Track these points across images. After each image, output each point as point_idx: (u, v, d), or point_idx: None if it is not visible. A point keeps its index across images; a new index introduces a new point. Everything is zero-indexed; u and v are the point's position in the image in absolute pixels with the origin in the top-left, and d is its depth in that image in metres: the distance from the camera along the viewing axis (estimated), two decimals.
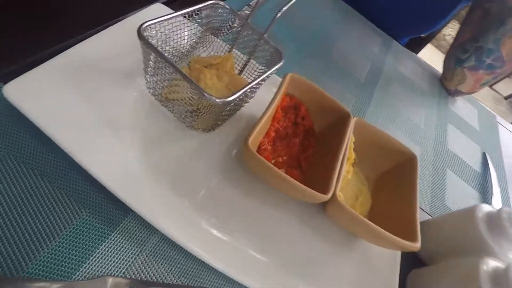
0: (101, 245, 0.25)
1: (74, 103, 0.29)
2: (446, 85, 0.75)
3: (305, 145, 0.37)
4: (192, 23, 0.36)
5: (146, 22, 0.29)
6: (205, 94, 0.27)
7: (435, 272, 0.34)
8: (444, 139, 0.62)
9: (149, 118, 0.32)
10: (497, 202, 0.56)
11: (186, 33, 0.36)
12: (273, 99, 0.32)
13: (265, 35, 0.37)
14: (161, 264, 0.26)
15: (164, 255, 0.27)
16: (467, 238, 0.34)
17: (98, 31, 0.34)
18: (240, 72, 0.41)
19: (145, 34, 0.29)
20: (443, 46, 2.77)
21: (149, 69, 0.31)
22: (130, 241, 0.26)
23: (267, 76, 0.33)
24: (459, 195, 0.53)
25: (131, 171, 0.28)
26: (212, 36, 0.40)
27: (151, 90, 0.33)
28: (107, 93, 0.31)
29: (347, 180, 0.37)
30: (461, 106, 0.75)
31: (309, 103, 0.38)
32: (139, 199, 0.26)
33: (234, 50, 0.41)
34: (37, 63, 0.29)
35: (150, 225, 0.26)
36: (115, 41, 0.35)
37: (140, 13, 0.39)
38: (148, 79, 0.32)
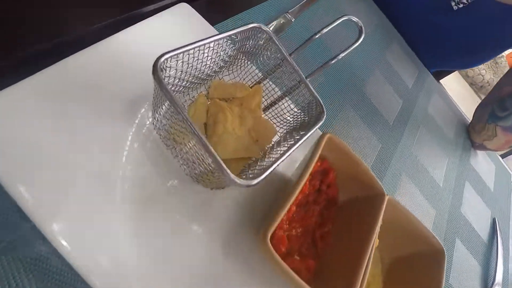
0: None
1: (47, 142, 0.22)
2: (472, 136, 0.70)
3: (325, 216, 0.32)
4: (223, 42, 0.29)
5: (166, 54, 0.22)
6: (226, 173, 0.21)
7: None
8: (460, 201, 0.58)
9: (148, 165, 0.26)
10: (499, 274, 0.53)
11: (213, 54, 0.29)
12: (303, 173, 0.26)
13: (308, 79, 0.30)
14: None
15: None
16: None
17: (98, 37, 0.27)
18: (266, 108, 0.34)
19: (162, 67, 0.22)
20: (465, 71, 2.69)
21: (159, 110, 0.24)
22: None
23: (302, 142, 0.27)
24: (464, 271, 0.49)
25: (111, 242, 0.22)
26: (245, 59, 0.33)
27: (157, 129, 0.26)
28: (97, 128, 0.24)
29: None
30: (481, 160, 0.71)
31: (339, 170, 0.32)
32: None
33: (266, 81, 0.34)
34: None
35: None
36: (120, 51, 0.27)
37: (160, 15, 0.31)
38: (156, 117, 0.25)
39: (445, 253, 0.33)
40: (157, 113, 0.24)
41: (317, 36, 0.29)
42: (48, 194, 0.20)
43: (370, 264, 0.27)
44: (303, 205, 0.31)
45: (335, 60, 0.28)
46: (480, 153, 0.72)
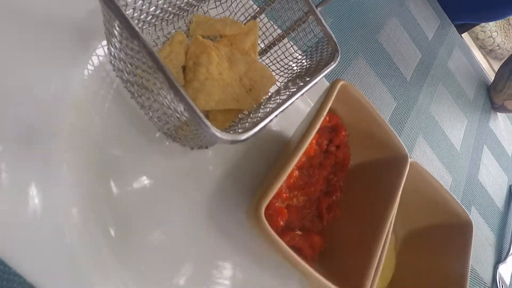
0: None
1: None
2: (493, 97, 0.63)
3: (332, 183, 0.26)
4: None
5: None
6: (204, 124, 0.15)
7: None
8: (477, 167, 0.52)
9: (108, 117, 0.20)
10: None
11: None
12: (310, 130, 0.20)
13: (318, 9, 0.23)
14: None
15: None
16: None
17: None
18: (264, 52, 0.27)
19: None
20: (475, 33, 2.51)
21: (113, 40, 0.17)
22: None
23: (308, 88, 0.20)
24: (478, 240, 0.45)
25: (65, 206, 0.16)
26: None
27: (116, 70, 0.20)
28: (34, 66, 0.18)
29: None
30: (501, 123, 0.64)
31: (352, 127, 0.26)
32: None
33: (262, 16, 0.27)
34: None
35: None
36: None
37: None
38: (112, 52, 0.19)
39: (473, 226, 0.28)
40: (112, 45, 0.18)
41: None
42: None
43: (388, 242, 0.22)
44: (306, 168, 0.25)
45: None
46: (500, 116, 0.66)
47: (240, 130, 0.18)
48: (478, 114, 0.59)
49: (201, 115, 0.15)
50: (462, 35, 0.70)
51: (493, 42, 2.57)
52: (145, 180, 0.20)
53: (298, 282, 0.24)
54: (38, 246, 0.15)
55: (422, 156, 0.43)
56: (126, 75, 0.19)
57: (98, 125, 0.19)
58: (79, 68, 0.19)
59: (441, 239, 0.29)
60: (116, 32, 0.16)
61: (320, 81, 0.22)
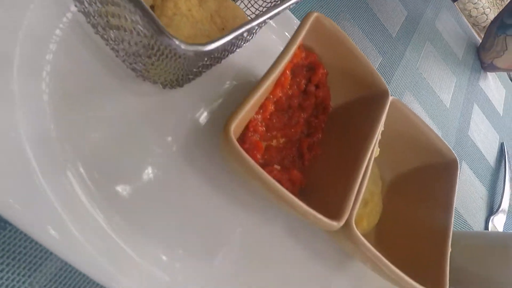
0: None
1: None
2: (482, 56, 0.62)
3: (313, 125, 0.26)
4: None
5: None
6: (163, 33, 0.14)
7: None
8: (467, 124, 0.52)
9: (68, 54, 0.19)
10: (505, 204, 0.50)
11: None
12: (282, 56, 0.19)
13: None
14: None
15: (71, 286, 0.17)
16: (494, 274, 0.27)
17: None
18: None
19: None
20: (468, 11, 2.49)
21: None
22: (14, 265, 0.16)
23: (278, 13, 0.20)
24: (469, 194, 0.46)
25: (18, 146, 0.16)
26: None
27: (78, 3, 0.19)
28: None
29: None
30: (491, 83, 0.64)
31: (331, 65, 0.25)
32: (27, 203, 0.15)
33: None
34: None
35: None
36: None
37: None
38: None
39: (458, 163, 0.28)
40: None
41: None
42: None
43: (368, 173, 0.22)
44: (286, 110, 0.24)
45: None
46: (491, 76, 0.65)
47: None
48: (468, 73, 0.59)
49: (160, 22, 0.14)
50: (454, 12, 0.68)
51: (486, 19, 2.56)
52: (114, 119, 0.19)
53: (283, 222, 0.24)
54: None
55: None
56: (88, 5, 0.18)
57: (58, 60, 0.18)
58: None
59: (427, 179, 0.29)
60: None
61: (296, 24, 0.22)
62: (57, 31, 0.19)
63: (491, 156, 0.54)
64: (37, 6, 0.18)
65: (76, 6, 0.19)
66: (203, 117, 0.23)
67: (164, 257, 0.18)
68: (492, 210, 0.48)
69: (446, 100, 0.50)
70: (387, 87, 0.25)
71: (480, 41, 0.65)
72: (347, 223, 0.19)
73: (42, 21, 0.18)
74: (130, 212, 0.18)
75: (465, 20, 0.67)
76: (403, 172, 0.30)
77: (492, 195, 0.50)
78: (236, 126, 0.17)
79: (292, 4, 0.21)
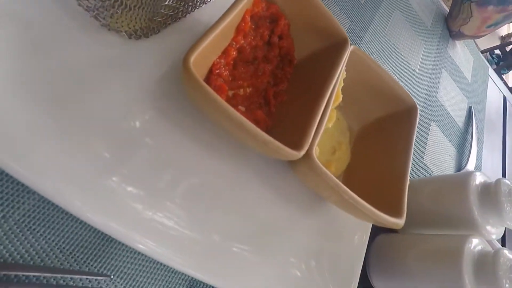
0: None
1: None
2: (450, 24, 0.65)
3: (278, 76, 0.27)
4: None
5: None
6: None
7: (407, 242, 0.30)
8: (436, 87, 0.55)
9: (35, 7, 0.19)
10: (472, 162, 0.52)
11: None
12: None
13: None
14: (41, 234, 0.17)
15: (46, 221, 0.18)
16: (453, 210, 0.29)
17: None
18: None
19: None
20: None
21: None
22: None
23: None
24: (438, 152, 0.48)
25: None
26: None
27: None
28: None
29: (326, 128, 0.28)
30: (459, 51, 0.67)
31: (292, 17, 0.26)
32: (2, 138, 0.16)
33: None
34: None
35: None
36: None
37: None
38: None
39: (418, 109, 0.29)
40: None
41: None
42: None
43: (328, 112, 0.23)
44: (250, 61, 0.26)
45: None
46: (459, 44, 0.68)
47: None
48: (436, 41, 0.61)
49: None
50: None
51: None
52: (78, 71, 0.20)
53: (251, 166, 0.25)
54: None
55: None
56: None
57: (14, 8, 0.19)
58: None
59: (391, 126, 0.30)
60: None
61: None
62: None
63: (459, 119, 0.57)
64: None
65: None
66: (168, 68, 0.23)
67: (141, 193, 0.19)
68: (460, 167, 0.51)
69: (415, 65, 0.53)
70: (347, 35, 0.26)
71: (448, 10, 0.68)
72: (308, 154, 0.21)
73: None
74: (105, 156, 0.19)
75: None
76: (369, 121, 0.32)
77: (460, 154, 0.53)
78: (197, 64, 0.18)
79: None
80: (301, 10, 0.26)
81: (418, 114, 0.29)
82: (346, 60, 0.26)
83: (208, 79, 0.21)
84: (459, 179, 0.30)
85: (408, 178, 0.26)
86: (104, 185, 0.18)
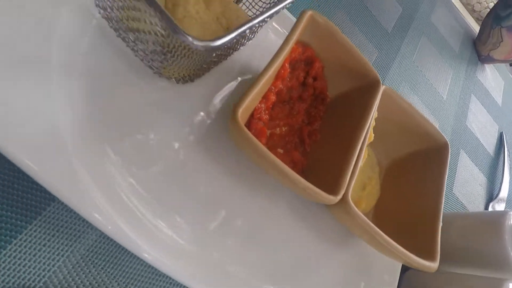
0: (13, 240, 0.18)
1: None
2: (479, 48, 0.64)
3: (312, 114, 0.28)
4: None
5: None
6: (179, 31, 0.17)
7: (438, 282, 0.30)
8: (465, 114, 0.54)
9: (95, 56, 0.22)
10: (504, 192, 0.51)
11: None
12: (281, 49, 0.22)
13: None
14: (102, 267, 0.19)
15: (107, 255, 0.20)
16: (487, 250, 0.29)
17: None
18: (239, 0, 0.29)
19: None
20: (471, 6, 2.47)
21: None
22: (58, 236, 0.19)
23: (276, 12, 0.22)
24: (468, 181, 0.47)
25: (59, 134, 0.19)
26: None
27: (102, 10, 0.22)
28: (17, 8, 0.20)
29: None
30: (489, 75, 0.65)
31: (326, 59, 0.28)
32: (69, 181, 0.18)
33: None
34: None
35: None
36: None
37: None
38: None
39: (449, 146, 0.30)
40: None
41: None
42: None
43: (363, 153, 0.24)
44: (287, 101, 0.27)
45: None
46: (488, 67, 0.66)
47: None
48: (465, 66, 0.60)
49: (175, 22, 0.16)
50: (457, 8, 0.70)
51: None
52: (134, 112, 0.22)
53: (288, 203, 0.26)
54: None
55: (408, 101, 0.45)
56: (111, 12, 0.21)
57: (87, 61, 0.21)
58: (66, 9, 0.21)
59: (419, 164, 0.31)
60: None
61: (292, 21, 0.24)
62: (85, 35, 0.21)
63: (490, 146, 0.56)
64: (67, 15, 0.21)
65: (99, 13, 0.22)
66: (212, 108, 0.25)
67: (177, 238, 0.21)
68: (491, 197, 0.50)
69: (443, 92, 0.52)
70: (379, 77, 0.27)
71: (477, 34, 0.67)
72: (344, 198, 0.22)
73: (72, 27, 0.21)
74: (152, 190, 0.20)
75: (461, 13, 0.69)
76: (399, 157, 0.32)
77: (491, 183, 0.51)
78: (242, 113, 0.20)
79: (288, 3, 0.23)
80: (334, 53, 0.27)
81: (449, 152, 0.30)
82: (379, 101, 0.27)
83: (249, 123, 0.23)
84: (494, 218, 0.30)
85: (441, 219, 0.26)
86: (158, 224, 0.20)
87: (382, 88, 0.27)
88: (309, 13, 0.25)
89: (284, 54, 0.22)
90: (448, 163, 0.29)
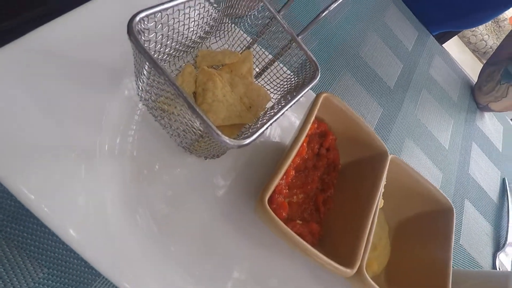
0: None
1: (27, 114, 0.21)
2: (478, 97, 0.67)
3: (326, 181, 0.30)
4: (207, 3, 0.27)
5: (141, 12, 0.20)
6: (216, 134, 0.19)
7: None
8: (467, 163, 0.56)
9: (140, 139, 0.24)
10: (511, 237, 0.52)
11: (196, 17, 0.27)
12: (300, 134, 0.25)
13: (299, 37, 0.28)
14: None
15: None
16: None
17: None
18: (259, 75, 0.33)
19: (138, 28, 0.20)
20: (467, 38, 2.57)
21: (142, 77, 0.22)
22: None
23: (296, 101, 0.25)
24: (474, 231, 0.49)
25: (103, 216, 0.21)
26: (231, 23, 0.31)
27: (143, 99, 0.25)
28: (78, 101, 0.23)
29: None
30: (487, 122, 0.68)
31: (338, 132, 0.30)
32: (113, 261, 0.20)
33: (255, 46, 0.32)
34: None
35: None
36: (98, 20, 0.26)
37: None
38: (140, 86, 0.24)
39: (454, 211, 0.32)
40: (140, 81, 0.23)
41: None
42: (34, 171, 0.19)
43: (375, 225, 0.26)
44: (303, 170, 0.29)
45: (327, 12, 0.26)
46: (487, 114, 0.70)
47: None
48: (464, 114, 0.64)
49: (214, 126, 0.19)
50: (453, 39, 0.74)
51: (486, 45, 2.65)
52: (168, 186, 0.25)
53: (307, 268, 0.28)
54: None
55: (411, 155, 0.48)
56: (151, 103, 0.24)
57: (131, 143, 0.24)
58: (115, 99, 0.24)
59: (427, 225, 0.32)
60: (145, 71, 0.21)
61: (308, 93, 0.27)
62: (129, 122, 0.24)
63: (493, 192, 0.57)
64: (115, 104, 0.24)
65: (142, 103, 0.25)
66: (237, 181, 0.28)
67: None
68: (498, 245, 0.51)
69: (445, 142, 0.55)
70: (386, 148, 0.30)
71: (474, 82, 0.71)
72: (359, 270, 0.23)
73: (119, 114, 0.24)
74: (181, 251, 0.23)
75: (457, 63, 0.73)
76: (406, 217, 0.34)
77: (497, 231, 0.52)
78: (267, 195, 0.22)
79: (308, 89, 0.26)
80: (346, 127, 0.30)
81: (454, 217, 0.31)
82: (386, 170, 0.29)
83: (271, 198, 0.25)
84: (502, 279, 0.31)
85: (450, 280, 0.27)
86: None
87: (389, 157, 0.30)
88: (323, 95, 0.28)
89: (304, 137, 0.25)
90: (454, 226, 0.31)
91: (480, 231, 0.50)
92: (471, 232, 0.48)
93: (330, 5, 0.27)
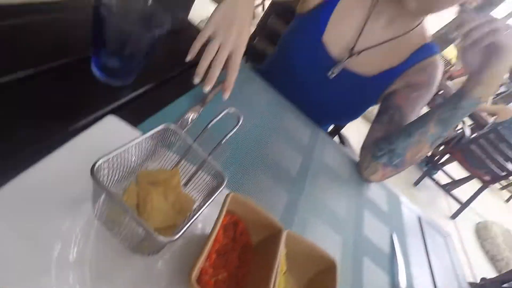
0: None
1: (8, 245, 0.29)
2: (361, 173, 0.89)
3: (243, 259, 0.41)
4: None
5: (100, 159, 0.31)
6: (153, 235, 0.29)
7: None
8: (361, 226, 0.72)
9: (94, 249, 0.33)
10: (402, 280, 0.66)
11: (136, 152, 0.39)
12: (215, 226, 0.36)
13: (209, 157, 0.42)
14: None
15: None
16: None
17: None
18: (186, 183, 0.44)
19: (98, 169, 0.31)
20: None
21: (99, 200, 0.32)
22: None
23: (211, 201, 0.37)
24: (375, 283, 0.61)
25: None
26: (163, 149, 0.44)
27: (99, 217, 0.34)
28: (51, 229, 0.31)
29: None
30: (374, 189, 0.89)
31: (246, 219, 0.42)
32: None
33: (183, 161, 0.45)
34: None
35: None
36: (64, 166, 0.36)
37: (93, 128, 0.41)
38: (97, 208, 0.33)
39: (336, 264, 0.44)
40: (97, 203, 0.33)
41: (209, 126, 0.42)
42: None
43: (277, 283, 0.36)
44: (223, 254, 0.39)
45: (219, 145, 0.41)
46: (372, 184, 0.91)
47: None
48: (354, 186, 0.83)
49: (151, 230, 0.29)
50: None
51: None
52: (120, 279, 0.32)
53: None
54: None
55: (315, 228, 0.61)
56: (105, 217, 0.33)
57: (88, 249, 0.32)
58: (76, 218, 0.33)
59: (322, 282, 0.44)
60: (101, 198, 0.31)
61: (224, 192, 0.40)
62: (86, 234, 0.33)
63: (386, 247, 0.73)
64: (75, 222, 0.33)
65: (97, 218, 0.34)
66: (176, 268, 0.36)
67: None
68: None
69: (342, 212, 0.71)
70: (281, 225, 0.42)
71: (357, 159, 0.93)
72: None
73: (79, 229, 0.32)
74: None
75: (343, 148, 0.97)
76: (310, 278, 0.45)
77: (393, 279, 0.66)
78: (195, 275, 0.31)
79: (217, 195, 0.38)
80: (251, 215, 0.42)
81: (337, 268, 0.44)
82: (284, 241, 0.41)
83: (200, 279, 0.34)
84: None
85: None
86: None
87: (285, 232, 0.42)
88: (231, 195, 0.40)
89: (217, 228, 0.36)
90: (338, 277, 0.43)
91: (380, 282, 0.62)
92: (373, 284, 0.61)
93: (227, 134, 0.41)
